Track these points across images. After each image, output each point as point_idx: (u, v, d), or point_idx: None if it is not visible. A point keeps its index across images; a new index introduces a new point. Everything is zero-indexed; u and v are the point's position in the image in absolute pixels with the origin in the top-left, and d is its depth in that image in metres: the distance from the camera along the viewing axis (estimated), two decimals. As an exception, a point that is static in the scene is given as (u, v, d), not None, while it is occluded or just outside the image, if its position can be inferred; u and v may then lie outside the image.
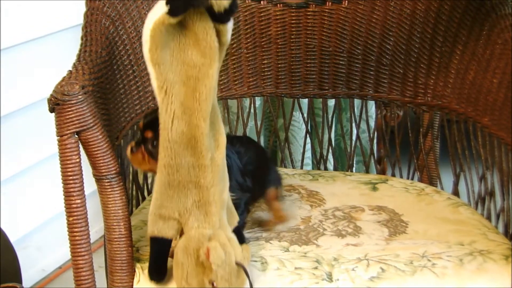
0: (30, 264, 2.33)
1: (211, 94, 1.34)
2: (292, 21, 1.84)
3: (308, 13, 1.83)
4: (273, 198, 1.60)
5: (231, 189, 1.45)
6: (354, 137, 1.92)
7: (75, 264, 1.40)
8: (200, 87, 1.33)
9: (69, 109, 1.36)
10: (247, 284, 1.38)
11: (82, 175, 1.38)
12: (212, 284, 1.34)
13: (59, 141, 1.37)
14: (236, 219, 1.44)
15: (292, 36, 1.85)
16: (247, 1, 1.84)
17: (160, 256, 1.39)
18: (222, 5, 1.33)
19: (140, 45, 1.69)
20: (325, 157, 1.96)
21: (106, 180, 1.40)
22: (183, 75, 1.34)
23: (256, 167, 1.56)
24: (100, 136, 1.39)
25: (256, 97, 1.92)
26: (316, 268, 1.45)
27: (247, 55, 1.87)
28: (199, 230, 1.36)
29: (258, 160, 1.58)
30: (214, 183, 1.36)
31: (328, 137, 1.95)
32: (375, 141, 2.16)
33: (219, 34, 1.36)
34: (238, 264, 1.36)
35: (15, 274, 1.96)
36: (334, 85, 1.87)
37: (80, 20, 1.62)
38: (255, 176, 1.56)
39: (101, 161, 1.39)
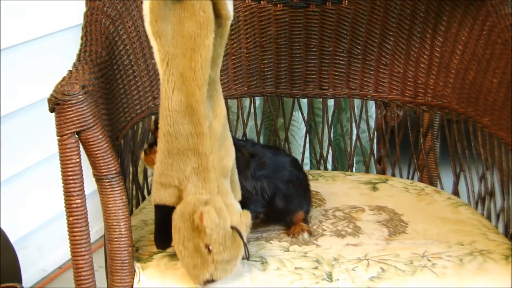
0: (30, 264, 2.33)
1: (206, 64, 1.37)
2: (292, 21, 1.84)
3: (308, 13, 1.83)
4: (299, 221, 1.59)
5: (241, 179, 1.48)
6: (354, 137, 1.92)
7: (75, 264, 1.40)
8: (195, 57, 1.36)
9: (69, 109, 1.36)
10: (243, 249, 1.39)
11: (82, 175, 1.38)
12: (208, 248, 1.36)
13: (59, 141, 1.37)
14: (238, 196, 1.45)
15: (292, 36, 1.85)
16: (247, 1, 1.84)
17: (163, 224, 1.41)
18: None
19: (140, 45, 1.70)
20: (325, 157, 1.96)
21: (106, 180, 1.40)
22: (183, 47, 1.37)
23: (285, 183, 1.57)
24: (100, 136, 1.39)
25: (256, 97, 1.92)
26: (316, 268, 1.45)
27: (247, 55, 1.87)
28: (195, 195, 1.38)
29: (287, 176, 1.59)
30: (212, 150, 1.39)
31: (328, 137, 1.95)
32: (375, 141, 2.16)
33: (217, 7, 1.38)
34: (233, 228, 1.37)
35: (15, 274, 1.96)
36: (334, 85, 1.87)
37: (80, 20, 1.62)
38: (278, 190, 1.56)
39: (101, 161, 1.39)
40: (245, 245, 1.39)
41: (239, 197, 1.46)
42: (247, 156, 1.53)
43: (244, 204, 1.46)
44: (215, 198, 1.39)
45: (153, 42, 1.38)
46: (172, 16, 1.38)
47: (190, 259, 1.38)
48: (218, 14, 1.39)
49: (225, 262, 1.37)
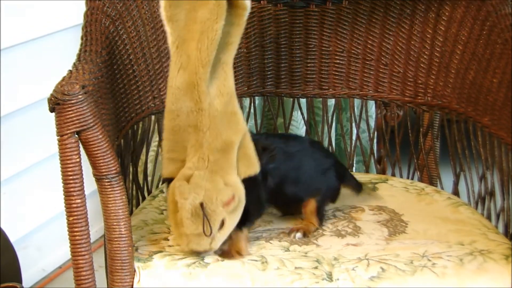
0: (30, 264, 2.33)
1: (213, 46, 1.42)
2: (292, 21, 1.84)
3: (308, 13, 1.83)
4: (312, 212, 1.59)
5: None
6: (354, 137, 1.92)
7: (75, 264, 1.40)
8: (203, 38, 1.42)
9: (69, 109, 1.36)
10: (211, 226, 1.41)
11: (82, 175, 1.38)
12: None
13: (59, 141, 1.37)
14: (253, 169, 1.47)
15: (292, 36, 1.85)
16: (247, 1, 1.84)
17: None
18: None
19: (140, 44, 1.70)
20: (325, 157, 1.95)
21: (106, 180, 1.40)
22: (194, 32, 1.43)
23: (292, 171, 1.58)
24: (100, 136, 1.39)
25: (255, 97, 1.92)
26: (316, 267, 1.45)
27: (247, 55, 1.87)
28: (183, 170, 1.43)
29: (294, 165, 1.58)
30: (210, 127, 1.43)
31: (328, 137, 1.95)
32: (375, 141, 2.16)
33: None
34: (200, 205, 1.40)
35: (15, 274, 1.96)
36: (334, 85, 1.87)
37: (80, 20, 1.62)
38: (286, 178, 1.57)
39: (101, 161, 1.39)
40: (208, 222, 1.40)
41: (255, 170, 1.48)
42: (260, 151, 1.53)
43: (256, 197, 1.48)
44: (197, 173, 1.42)
45: (166, 27, 1.44)
46: (186, 4, 1.43)
47: (174, 230, 1.45)
48: (235, 4, 1.43)
49: (196, 236, 1.41)
